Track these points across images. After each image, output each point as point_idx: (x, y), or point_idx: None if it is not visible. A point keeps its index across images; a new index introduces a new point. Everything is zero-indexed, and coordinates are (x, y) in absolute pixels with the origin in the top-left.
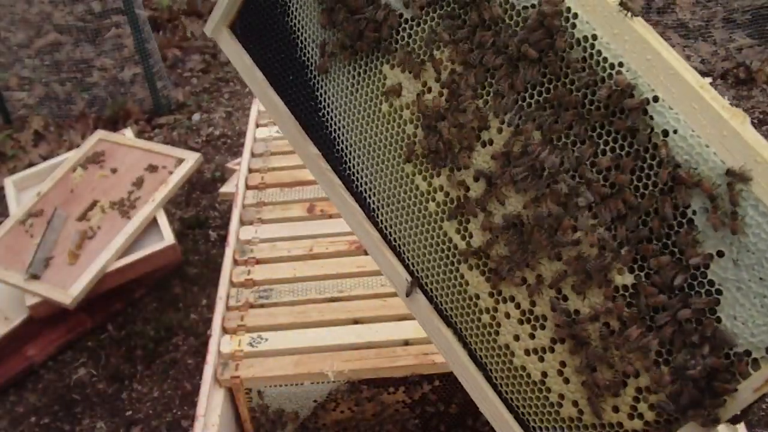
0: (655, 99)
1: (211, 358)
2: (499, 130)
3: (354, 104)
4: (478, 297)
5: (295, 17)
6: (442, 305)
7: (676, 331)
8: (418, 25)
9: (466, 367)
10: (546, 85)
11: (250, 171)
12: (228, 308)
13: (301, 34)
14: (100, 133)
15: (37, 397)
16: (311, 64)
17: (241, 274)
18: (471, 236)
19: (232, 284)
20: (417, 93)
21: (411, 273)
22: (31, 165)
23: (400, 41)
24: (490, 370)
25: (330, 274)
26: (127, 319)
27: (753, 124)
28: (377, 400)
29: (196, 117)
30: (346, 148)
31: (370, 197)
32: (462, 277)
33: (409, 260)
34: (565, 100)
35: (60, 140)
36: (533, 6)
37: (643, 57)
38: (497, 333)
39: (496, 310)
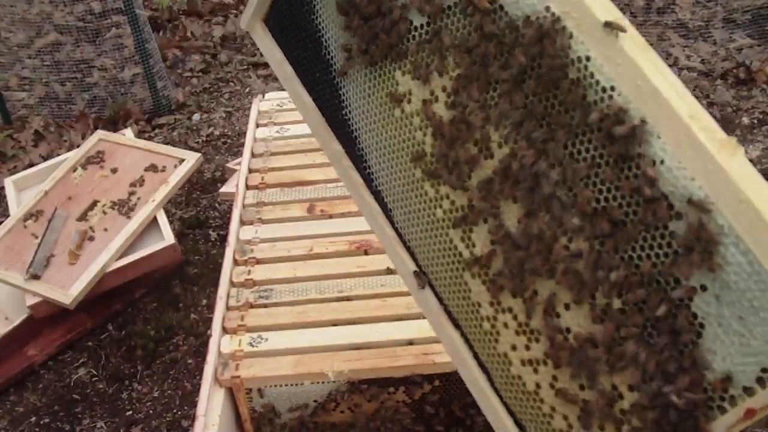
0: (643, 139)
1: (211, 358)
2: (500, 145)
3: (371, 107)
4: (479, 305)
5: (319, 16)
6: (449, 308)
7: (659, 358)
8: (426, 33)
9: (471, 370)
10: (544, 102)
11: (250, 171)
12: (228, 308)
13: (325, 33)
14: (100, 133)
15: (37, 397)
16: (334, 63)
17: (241, 274)
18: (474, 245)
19: (232, 284)
20: (423, 100)
21: (423, 273)
22: (31, 165)
23: (409, 48)
24: (492, 375)
25: (330, 274)
26: (127, 319)
27: (753, 124)
28: (377, 400)
29: (196, 117)
30: (365, 148)
31: (386, 197)
32: (466, 284)
33: (421, 261)
34: (558, 119)
35: (60, 140)
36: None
37: (634, 82)
38: (497, 341)
39: (495, 319)
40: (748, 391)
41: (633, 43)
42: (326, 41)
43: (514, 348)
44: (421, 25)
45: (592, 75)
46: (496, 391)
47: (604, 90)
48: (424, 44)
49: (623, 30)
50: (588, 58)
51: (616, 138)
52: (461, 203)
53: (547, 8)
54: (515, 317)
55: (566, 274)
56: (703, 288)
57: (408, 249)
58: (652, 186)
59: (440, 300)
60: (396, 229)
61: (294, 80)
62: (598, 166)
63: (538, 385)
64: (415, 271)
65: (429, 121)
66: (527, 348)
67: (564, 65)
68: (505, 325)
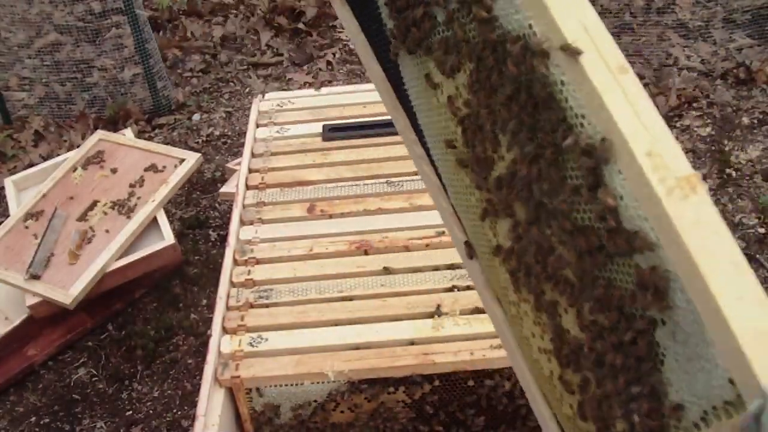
0: (607, 161)
1: (211, 357)
2: (508, 149)
3: (418, 90)
4: (507, 290)
5: None
6: (491, 283)
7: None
8: (447, 30)
9: (509, 343)
10: (536, 116)
11: (250, 171)
12: (228, 308)
13: (382, 12)
14: (100, 133)
15: (37, 397)
16: (390, 42)
17: (241, 274)
18: (499, 236)
19: (232, 284)
20: (448, 96)
21: (472, 245)
22: (31, 165)
23: (434, 42)
24: (522, 351)
25: (330, 274)
26: (127, 319)
27: (753, 124)
28: (377, 400)
29: (196, 117)
30: (422, 125)
31: (441, 173)
32: (496, 268)
33: (469, 239)
34: (546, 137)
35: (60, 140)
36: (522, 37)
37: (598, 113)
38: (521, 326)
39: (518, 306)
40: (696, 426)
41: (605, 66)
42: (383, 20)
43: (533, 335)
44: (443, 22)
45: (566, 100)
46: (528, 366)
47: (576, 116)
48: (444, 41)
49: (578, 53)
50: (563, 82)
51: (584, 168)
52: (485, 196)
53: (530, 26)
54: (532, 309)
55: (558, 282)
56: (663, 322)
57: (460, 221)
58: (613, 218)
59: (486, 275)
60: (451, 204)
61: (367, 50)
62: (580, 187)
63: (551, 372)
64: (465, 242)
65: (454, 116)
66: (542, 338)
67: (546, 86)
68: (526, 313)
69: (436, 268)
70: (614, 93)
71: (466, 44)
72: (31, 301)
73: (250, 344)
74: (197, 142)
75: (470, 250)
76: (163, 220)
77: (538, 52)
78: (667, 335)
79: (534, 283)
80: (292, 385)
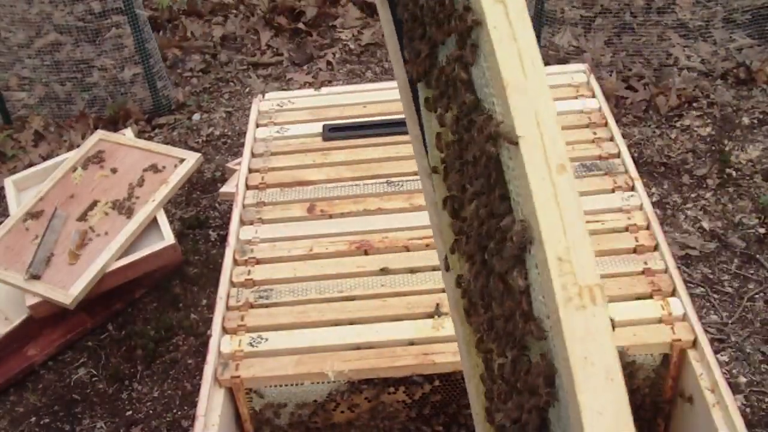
0: (529, 251)
1: (211, 358)
2: (469, 201)
3: (423, 109)
4: (465, 316)
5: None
6: (458, 305)
7: None
8: (441, 74)
9: (464, 363)
10: (491, 184)
11: (250, 171)
12: (228, 308)
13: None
14: (100, 133)
15: (37, 397)
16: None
17: (241, 274)
18: (462, 269)
19: (232, 284)
20: (437, 133)
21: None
22: (31, 165)
23: (434, 81)
24: (473, 374)
25: (330, 274)
26: (127, 319)
27: (753, 124)
28: (377, 400)
29: (196, 117)
30: (426, 142)
31: (435, 190)
32: (459, 299)
33: (447, 255)
34: (495, 205)
35: (60, 140)
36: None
37: (527, 208)
38: (472, 353)
39: (471, 335)
40: None
41: (545, 162)
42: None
43: (477, 366)
44: (440, 62)
45: (509, 182)
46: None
47: (515, 201)
48: (439, 83)
49: (513, 142)
50: (509, 166)
51: (508, 251)
52: (455, 235)
53: (494, 103)
54: (476, 344)
55: (491, 332)
56: (553, 405)
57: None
58: (525, 300)
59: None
60: (440, 220)
61: (397, 57)
62: (512, 260)
63: (483, 403)
64: (445, 256)
65: (440, 151)
66: (482, 372)
67: (498, 163)
68: (474, 344)
69: (436, 268)
70: (545, 192)
71: (454, 90)
72: (31, 301)
73: (250, 344)
74: (197, 142)
75: (447, 264)
76: (163, 220)
77: (493, 132)
78: (555, 417)
79: (478, 324)
80: (292, 385)
